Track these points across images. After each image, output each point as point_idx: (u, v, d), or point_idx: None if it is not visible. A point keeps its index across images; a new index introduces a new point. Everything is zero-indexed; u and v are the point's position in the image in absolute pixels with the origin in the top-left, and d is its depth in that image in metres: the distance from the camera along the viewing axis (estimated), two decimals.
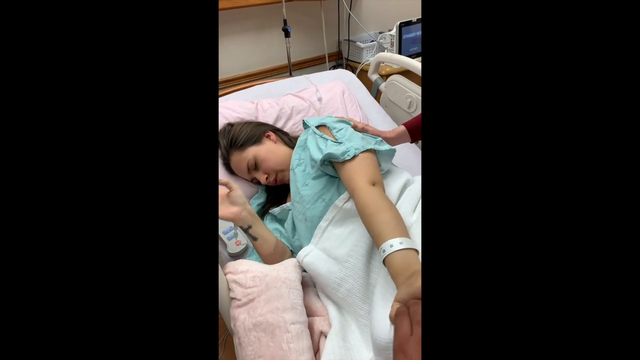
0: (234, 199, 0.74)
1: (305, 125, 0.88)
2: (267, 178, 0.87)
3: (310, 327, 0.67)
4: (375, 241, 0.58)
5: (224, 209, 0.73)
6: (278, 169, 0.87)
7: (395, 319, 0.41)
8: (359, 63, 1.80)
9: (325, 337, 0.66)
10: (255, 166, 0.88)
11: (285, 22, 1.49)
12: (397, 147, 1.02)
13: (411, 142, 0.91)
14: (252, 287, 0.67)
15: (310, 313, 0.70)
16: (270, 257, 0.78)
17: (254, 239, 0.77)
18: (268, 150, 0.89)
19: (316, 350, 0.65)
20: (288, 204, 0.88)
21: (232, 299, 0.69)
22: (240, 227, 0.77)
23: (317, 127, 0.82)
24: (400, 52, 1.72)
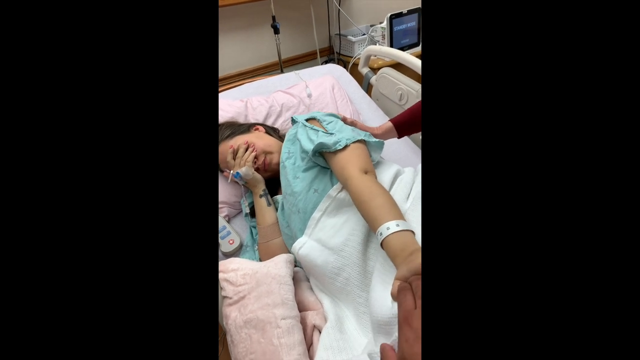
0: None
1: (294, 122, 0.88)
2: (256, 161, 0.87)
3: (303, 322, 0.67)
4: (372, 226, 0.59)
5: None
6: (267, 150, 0.88)
7: (398, 294, 0.42)
8: (351, 57, 1.79)
9: (319, 331, 0.66)
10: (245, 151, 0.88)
11: (274, 18, 1.49)
12: (389, 141, 1.02)
13: (398, 138, 0.90)
14: (243, 285, 0.68)
15: (303, 308, 0.70)
16: (272, 228, 0.83)
17: (268, 204, 0.85)
18: (257, 136, 0.91)
19: (309, 344, 0.66)
20: (279, 196, 0.89)
21: (224, 297, 0.69)
22: (260, 193, 0.86)
23: (307, 120, 0.83)
24: (391, 45, 1.71)
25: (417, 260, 0.46)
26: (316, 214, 0.72)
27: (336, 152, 0.71)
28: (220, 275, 0.71)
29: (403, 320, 0.38)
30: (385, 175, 0.76)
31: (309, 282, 0.78)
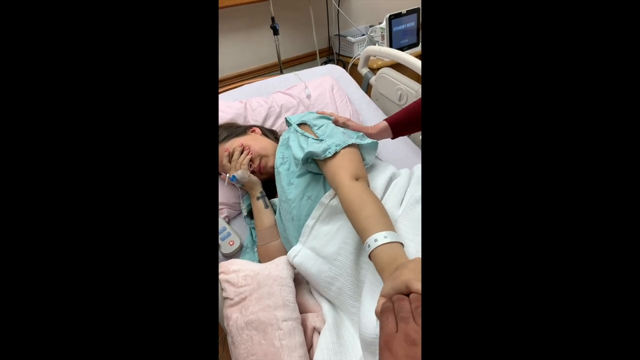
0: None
1: (289, 123, 0.88)
2: (252, 164, 0.87)
3: (304, 324, 0.67)
4: (361, 236, 0.58)
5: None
6: (263, 154, 0.87)
7: (380, 315, 0.41)
8: (351, 58, 1.79)
9: (319, 333, 0.66)
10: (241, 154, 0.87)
11: (273, 19, 1.49)
12: (388, 141, 1.01)
13: (392, 138, 0.87)
14: (244, 286, 0.68)
15: (303, 309, 0.70)
16: (270, 231, 0.83)
17: (265, 206, 0.85)
18: (253, 139, 0.90)
19: (310, 346, 0.66)
20: (275, 199, 0.88)
21: (225, 298, 0.69)
22: (257, 195, 0.86)
23: (299, 125, 0.83)
24: (391, 45, 1.71)
25: (401, 278, 0.44)
26: (310, 222, 0.71)
27: (326, 159, 0.70)
28: (222, 277, 0.71)
29: (384, 344, 0.37)
30: (378, 180, 0.75)
31: (308, 284, 0.78)
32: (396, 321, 0.38)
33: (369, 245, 0.53)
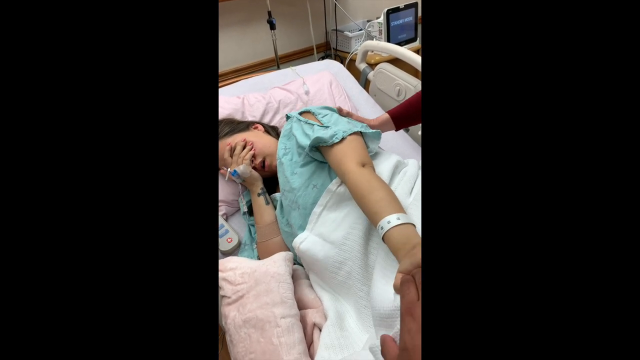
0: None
1: (289, 117, 0.87)
2: (253, 160, 0.86)
3: (303, 320, 0.66)
4: (372, 220, 0.58)
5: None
6: (266, 152, 0.87)
7: (401, 286, 0.41)
8: (348, 53, 1.78)
9: (320, 329, 0.66)
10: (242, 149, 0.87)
11: (269, 14, 1.47)
12: (387, 138, 1.00)
13: (395, 131, 0.89)
14: (241, 284, 0.67)
15: (302, 306, 0.70)
16: (270, 227, 0.82)
17: (266, 202, 0.84)
18: (255, 135, 0.89)
19: (310, 343, 0.65)
20: (277, 194, 0.88)
21: (222, 296, 0.68)
22: (258, 192, 0.85)
23: (301, 113, 0.82)
24: (389, 40, 1.70)
25: (419, 254, 0.45)
26: (317, 209, 0.71)
27: (333, 145, 0.70)
28: (219, 275, 0.70)
29: (405, 311, 0.37)
30: (384, 167, 0.75)
31: (308, 279, 0.77)
32: (417, 290, 0.38)
33: (382, 228, 0.54)
